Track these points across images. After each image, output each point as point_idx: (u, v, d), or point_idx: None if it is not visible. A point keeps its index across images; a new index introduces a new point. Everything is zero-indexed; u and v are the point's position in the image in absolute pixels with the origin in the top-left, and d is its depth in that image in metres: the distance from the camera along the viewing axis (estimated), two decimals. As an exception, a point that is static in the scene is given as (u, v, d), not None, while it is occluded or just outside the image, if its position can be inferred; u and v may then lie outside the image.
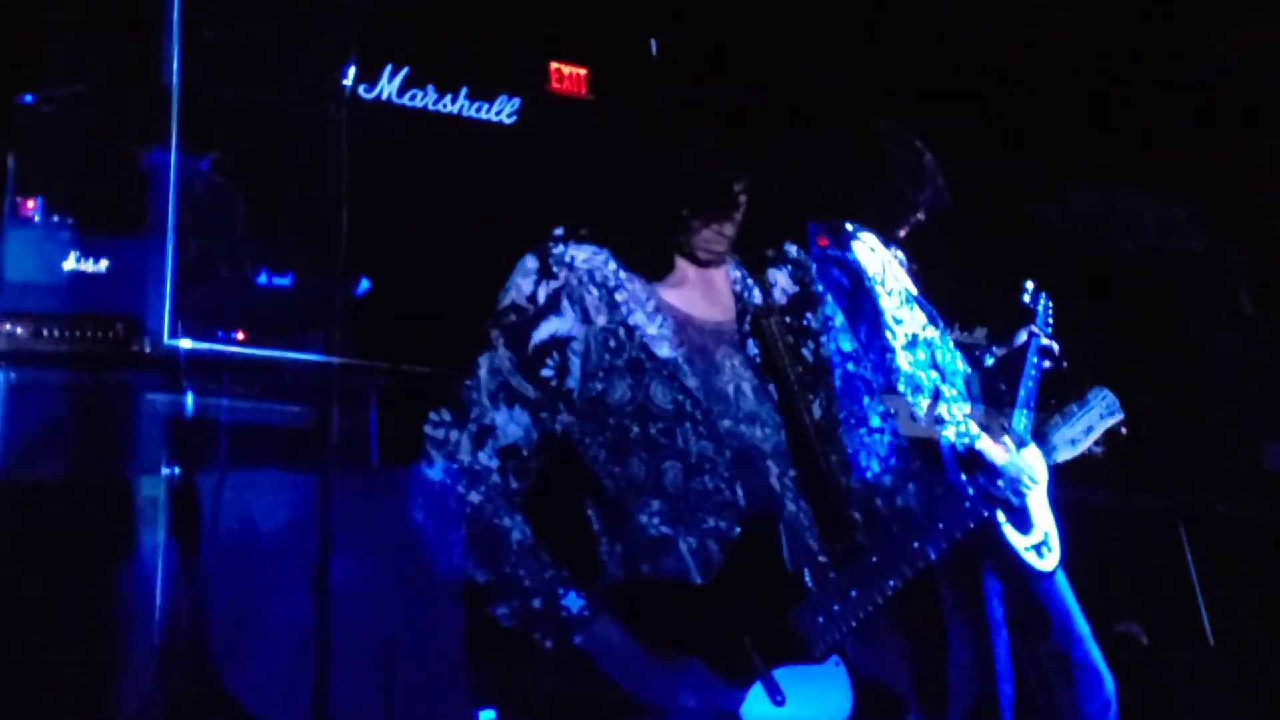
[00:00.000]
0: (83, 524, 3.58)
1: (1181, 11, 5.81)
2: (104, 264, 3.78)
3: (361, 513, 3.86)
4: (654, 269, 2.94)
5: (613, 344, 2.83)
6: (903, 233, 4.21)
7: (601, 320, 2.83)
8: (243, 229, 4.12)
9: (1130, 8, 5.85)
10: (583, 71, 4.60)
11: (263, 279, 4.01)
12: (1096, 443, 4.18)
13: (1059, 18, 5.82)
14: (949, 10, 5.76)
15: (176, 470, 3.62)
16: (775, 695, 2.60)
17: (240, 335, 3.92)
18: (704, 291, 3.00)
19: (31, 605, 3.42)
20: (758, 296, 3.04)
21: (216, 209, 4.04)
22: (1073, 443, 4.04)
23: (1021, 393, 4.12)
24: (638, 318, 2.86)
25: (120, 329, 3.75)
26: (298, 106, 4.15)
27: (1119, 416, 4.11)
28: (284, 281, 4.03)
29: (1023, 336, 4.26)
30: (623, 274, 2.91)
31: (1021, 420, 4.08)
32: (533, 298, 2.84)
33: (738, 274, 3.07)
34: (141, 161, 3.94)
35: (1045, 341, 4.26)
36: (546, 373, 2.79)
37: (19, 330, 3.66)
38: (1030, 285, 4.35)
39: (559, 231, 2.94)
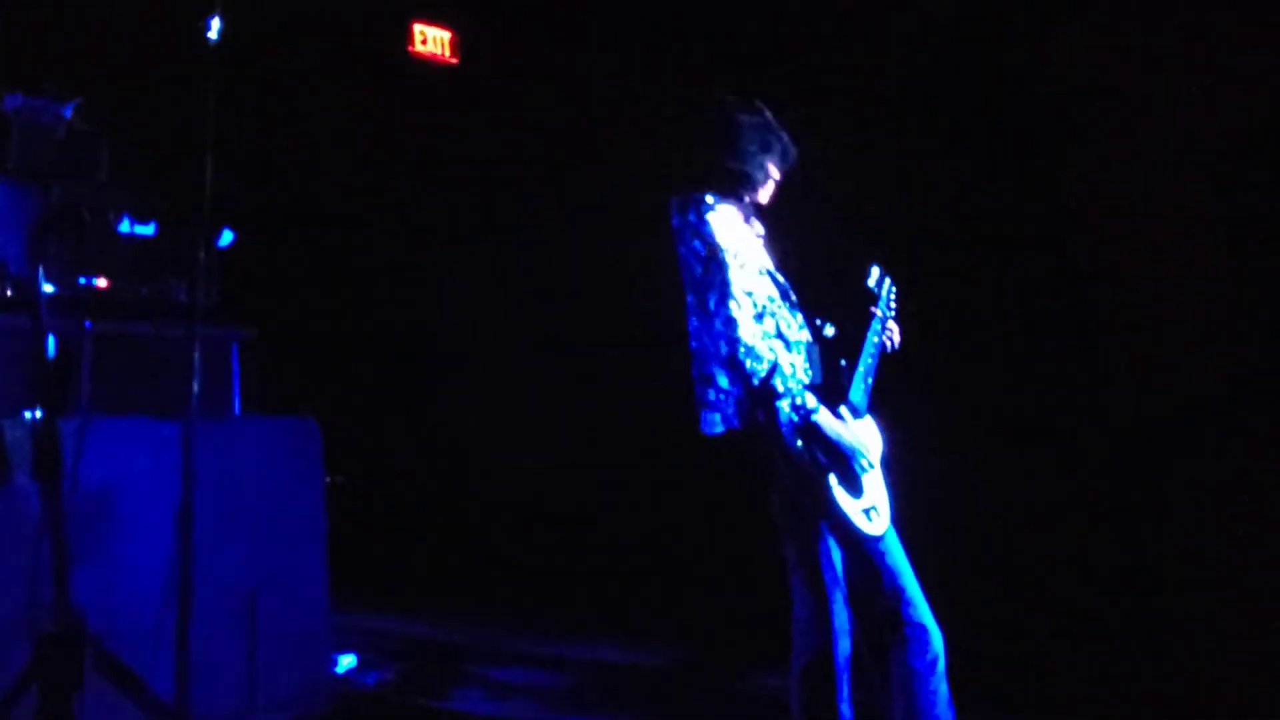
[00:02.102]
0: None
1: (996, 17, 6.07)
2: (-36, 205, 3.72)
3: (224, 461, 3.87)
4: None
5: None
6: (762, 198, 4.31)
7: None
8: (107, 177, 4.07)
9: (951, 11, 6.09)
10: (447, 35, 4.57)
11: (125, 227, 3.97)
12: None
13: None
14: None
15: (37, 414, 3.56)
16: None
17: (102, 282, 3.88)
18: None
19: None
20: None
21: (80, 155, 3.98)
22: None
23: (861, 367, 4.23)
24: None
25: (-19, 271, 3.70)
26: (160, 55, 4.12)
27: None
28: (147, 230, 4.00)
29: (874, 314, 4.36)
30: None
31: (860, 392, 4.20)
32: None
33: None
34: (3, 105, 3.88)
35: (887, 323, 4.39)
36: None
37: (-123, 270, 3.58)
38: (876, 270, 4.45)
39: None
